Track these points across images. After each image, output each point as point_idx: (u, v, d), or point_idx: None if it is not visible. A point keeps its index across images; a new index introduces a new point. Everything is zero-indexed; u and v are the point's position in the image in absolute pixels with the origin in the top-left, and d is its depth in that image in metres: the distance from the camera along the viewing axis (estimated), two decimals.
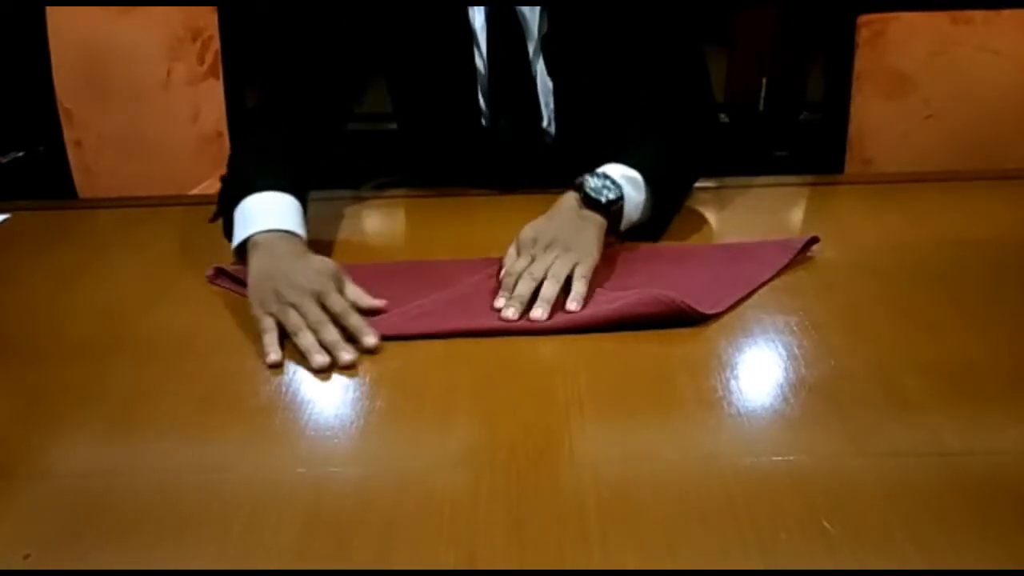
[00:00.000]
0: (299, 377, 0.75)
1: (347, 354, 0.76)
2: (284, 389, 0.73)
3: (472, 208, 1.13)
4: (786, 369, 0.73)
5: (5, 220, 1.18)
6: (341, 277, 0.85)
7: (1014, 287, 0.87)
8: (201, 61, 1.65)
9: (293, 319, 0.79)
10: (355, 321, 0.80)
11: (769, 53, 2.88)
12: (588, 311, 0.82)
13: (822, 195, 1.23)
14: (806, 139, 2.92)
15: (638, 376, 0.73)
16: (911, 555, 0.52)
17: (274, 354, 0.77)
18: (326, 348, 0.77)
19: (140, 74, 1.67)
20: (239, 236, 0.90)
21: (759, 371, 0.74)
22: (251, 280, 0.85)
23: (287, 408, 0.70)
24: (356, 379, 0.74)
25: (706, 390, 0.70)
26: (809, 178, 1.28)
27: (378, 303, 0.84)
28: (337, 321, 0.79)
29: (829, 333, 0.79)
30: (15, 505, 0.60)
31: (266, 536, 0.55)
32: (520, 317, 0.81)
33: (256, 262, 0.86)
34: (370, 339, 0.78)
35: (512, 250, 0.90)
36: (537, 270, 0.85)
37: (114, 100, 1.68)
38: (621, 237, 0.97)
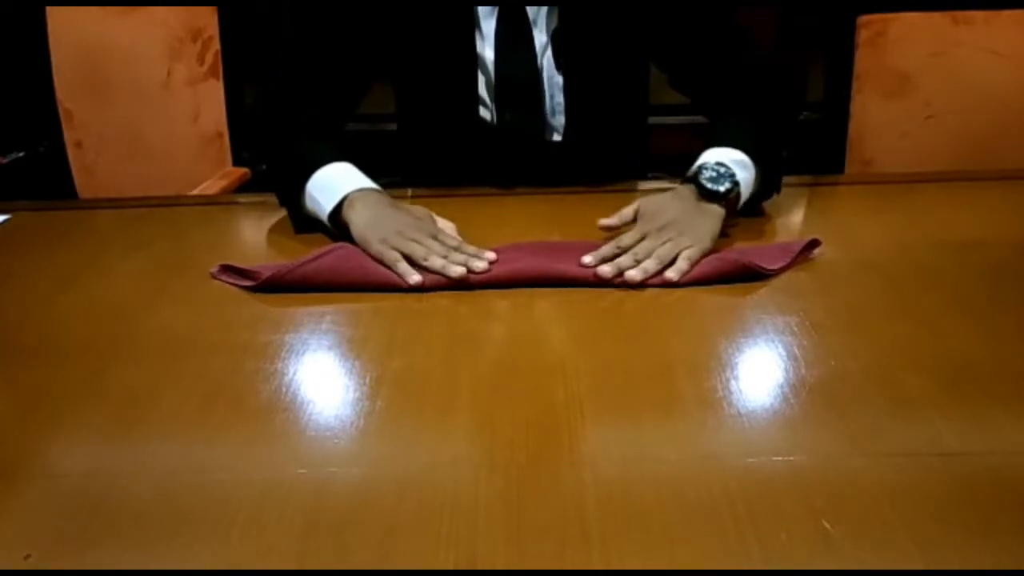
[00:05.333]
0: (299, 377, 0.75)
1: (480, 262, 0.87)
2: (284, 389, 0.73)
3: (473, 207, 1.13)
4: (786, 369, 0.73)
5: (5, 220, 1.18)
6: (435, 220, 0.97)
7: (1014, 287, 0.87)
8: (201, 61, 1.65)
9: (419, 250, 0.89)
10: (471, 249, 0.91)
11: (769, 53, 2.88)
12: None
13: (822, 195, 1.23)
14: (806, 139, 2.92)
15: (638, 376, 0.73)
16: (911, 555, 0.52)
17: (415, 276, 0.86)
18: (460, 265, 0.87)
19: (140, 74, 1.67)
20: (331, 201, 0.97)
21: (759, 371, 0.74)
22: (362, 227, 0.93)
23: (287, 408, 0.70)
24: (356, 379, 0.74)
25: (706, 390, 0.70)
26: (809, 178, 1.27)
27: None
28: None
29: (829, 333, 0.79)
30: (15, 505, 0.60)
31: (266, 536, 0.55)
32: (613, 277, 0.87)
33: (360, 212, 0.95)
34: (491, 254, 0.89)
35: (629, 211, 0.93)
36: (642, 251, 0.89)
37: (114, 100, 1.69)
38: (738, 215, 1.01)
